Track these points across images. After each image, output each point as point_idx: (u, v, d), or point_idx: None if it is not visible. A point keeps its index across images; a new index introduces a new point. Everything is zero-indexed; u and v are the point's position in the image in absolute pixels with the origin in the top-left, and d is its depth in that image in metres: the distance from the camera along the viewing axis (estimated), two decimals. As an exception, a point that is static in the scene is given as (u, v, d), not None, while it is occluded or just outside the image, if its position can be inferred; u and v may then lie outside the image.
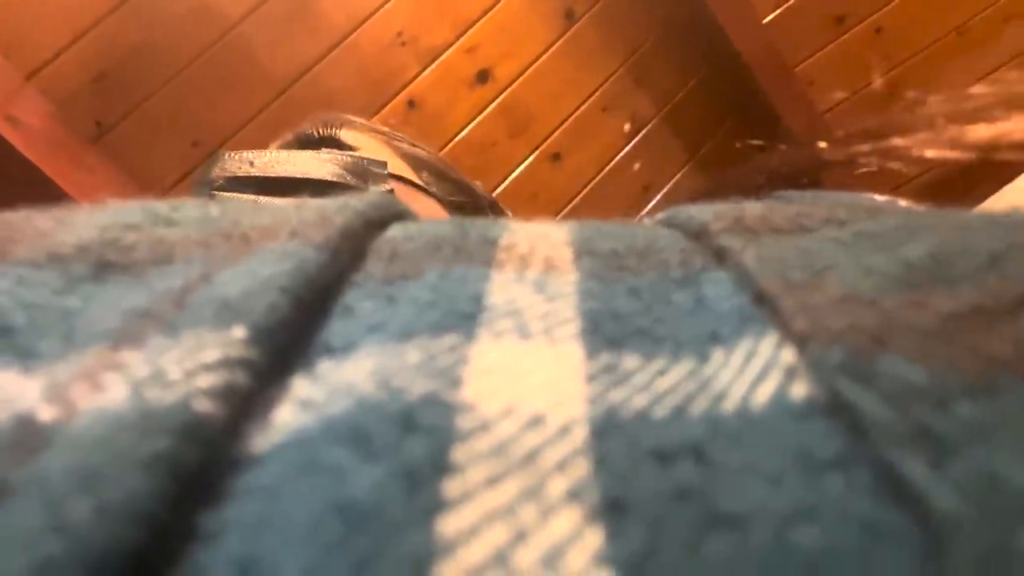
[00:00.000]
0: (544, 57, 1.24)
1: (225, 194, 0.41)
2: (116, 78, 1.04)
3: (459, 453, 0.09)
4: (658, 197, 1.32)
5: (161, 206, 0.16)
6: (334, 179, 0.41)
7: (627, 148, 1.31)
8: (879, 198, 0.17)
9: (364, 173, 0.42)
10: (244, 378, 0.10)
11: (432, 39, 1.18)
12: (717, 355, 0.11)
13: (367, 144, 0.47)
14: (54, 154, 0.96)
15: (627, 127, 1.30)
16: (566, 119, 1.27)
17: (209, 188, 0.41)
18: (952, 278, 0.11)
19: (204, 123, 1.08)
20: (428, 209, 0.46)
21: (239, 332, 0.11)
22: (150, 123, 1.07)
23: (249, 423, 0.10)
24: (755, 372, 0.11)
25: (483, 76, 1.21)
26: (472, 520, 0.08)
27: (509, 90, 1.23)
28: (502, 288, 0.13)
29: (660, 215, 0.18)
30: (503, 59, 1.22)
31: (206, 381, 0.10)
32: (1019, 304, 0.10)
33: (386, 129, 0.52)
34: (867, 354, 0.10)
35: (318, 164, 0.42)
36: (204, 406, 0.09)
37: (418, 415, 0.10)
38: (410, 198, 0.44)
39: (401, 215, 0.18)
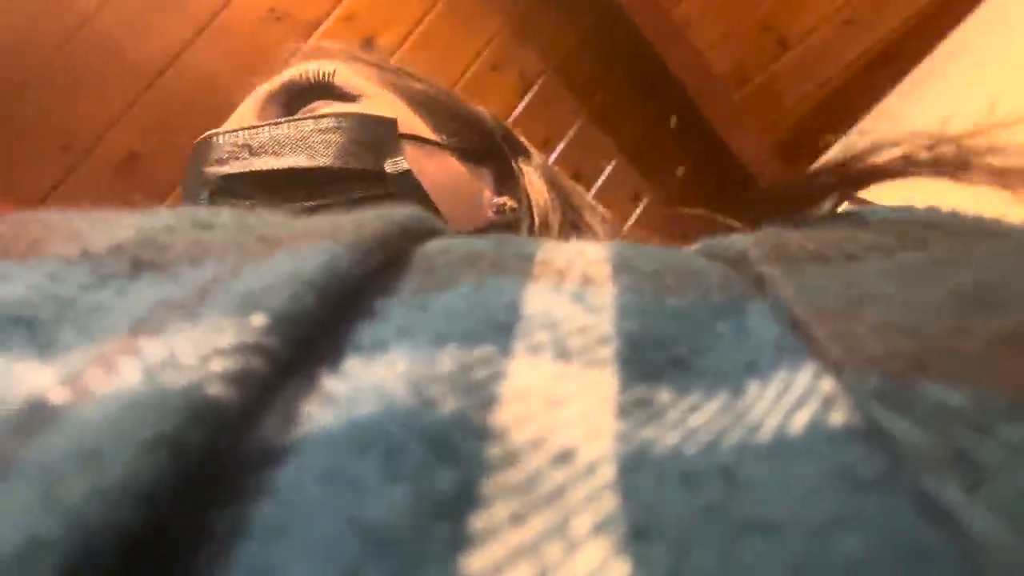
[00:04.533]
0: (426, 20, 1.22)
1: (226, 202, 0.36)
2: (-37, 84, 0.96)
3: (487, 486, 0.09)
4: (559, 148, 1.34)
5: (200, 212, 0.16)
6: (343, 165, 0.37)
7: (521, 105, 1.31)
8: (920, 208, 0.17)
9: (375, 144, 0.38)
10: (261, 365, 0.10)
11: (307, 12, 1.13)
12: (753, 387, 0.11)
13: (366, 89, 0.42)
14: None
15: (519, 83, 1.30)
16: (457, 81, 1.25)
17: (206, 191, 0.37)
18: (997, 304, 0.11)
19: (71, 125, 1.01)
20: (442, 169, 0.42)
21: (258, 320, 0.11)
22: (12, 131, 0.98)
23: (270, 413, 0.10)
24: (791, 402, 0.10)
25: (366, 46, 1.18)
26: (496, 558, 0.08)
27: (395, 57, 1.20)
28: (539, 297, 0.13)
29: (695, 246, 0.18)
30: (385, 27, 1.19)
31: (219, 365, 0.10)
32: None
33: (378, 59, 0.46)
34: (905, 379, 0.10)
35: (325, 145, 0.37)
36: (216, 390, 0.09)
37: (449, 440, 0.09)
38: (423, 158, 0.40)
39: (437, 231, 0.17)
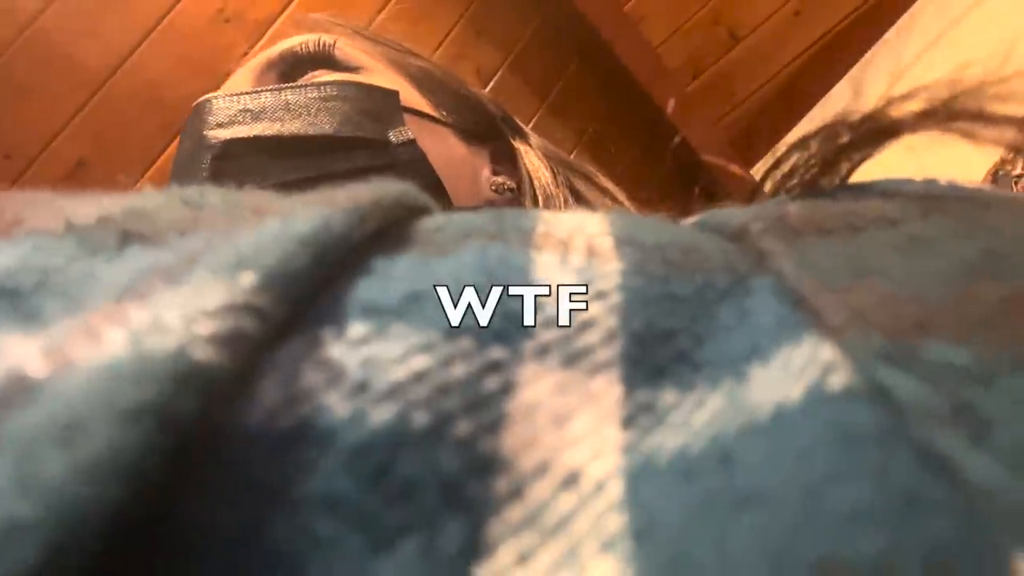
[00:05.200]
0: (380, 18, 1.21)
1: (230, 166, 0.35)
2: (-103, 94, 0.92)
3: (493, 528, 0.09)
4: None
5: (189, 190, 0.15)
6: (348, 134, 0.37)
7: (478, 102, 1.31)
8: (920, 180, 0.16)
9: (378, 114, 0.38)
10: (252, 325, 0.10)
11: (257, 11, 1.12)
12: (756, 371, 0.11)
13: (366, 62, 0.41)
14: None
15: (476, 79, 1.30)
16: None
17: (208, 155, 0.35)
18: (1004, 271, 0.11)
19: (15, 132, 0.98)
20: (442, 144, 0.41)
21: (247, 278, 0.10)
22: (-50, 140, 0.95)
23: (269, 379, 0.10)
24: (792, 374, 0.10)
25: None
26: None
27: (349, 57, 1.19)
28: (548, 274, 0.12)
29: (693, 219, 0.17)
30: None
31: (206, 327, 0.09)
32: None
33: (379, 35, 0.46)
34: (908, 340, 0.10)
35: (328, 113, 0.37)
36: (203, 353, 0.09)
37: (461, 482, 0.09)
38: (424, 133, 0.40)
39: (429, 209, 0.17)
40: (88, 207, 0.13)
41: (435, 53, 1.26)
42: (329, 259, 0.11)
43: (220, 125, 0.36)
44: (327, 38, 0.41)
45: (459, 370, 0.10)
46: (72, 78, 1.01)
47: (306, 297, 0.11)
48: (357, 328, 0.11)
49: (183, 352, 0.09)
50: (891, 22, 1.41)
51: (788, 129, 1.47)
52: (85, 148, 1.01)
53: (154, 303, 0.10)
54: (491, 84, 1.32)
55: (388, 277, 0.12)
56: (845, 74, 1.44)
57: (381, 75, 0.41)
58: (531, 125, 1.40)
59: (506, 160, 0.45)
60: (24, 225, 0.13)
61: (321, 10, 1.19)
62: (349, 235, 0.12)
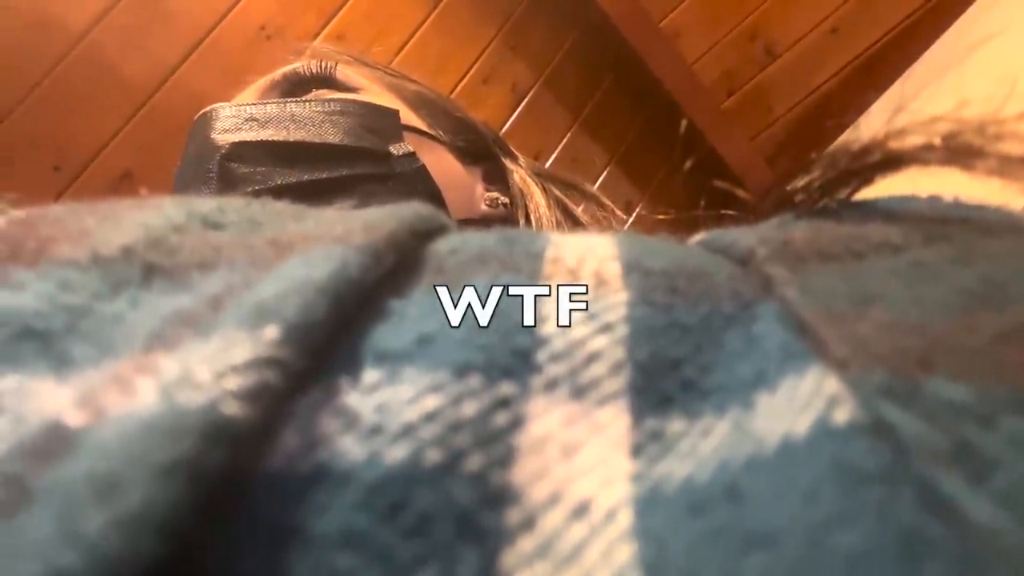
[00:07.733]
0: (417, 35, 1.23)
1: (237, 167, 0.36)
2: (-44, 106, 0.96)
3: (507, 559, 0.09)
4: (551, 159, 1.35)
5: (207, 206, 0.15)
6: (352, 143, 0.38)
7: (513, 117, 1.32)
8: (925, 198, 0.17)
9: (380, 130, 0.40)
10: (276, 378, 0.10)
11: (298, 29, 1.14)
12: (762, 399, 0.11)
13: (366, 85, 0.44)
14: None
15: (510, 96, 1.31)
16: (448, 95, 1.26)
17: (216, 156, 0.37)
18: (1005, 300, 0.11)
19: (64, 145, 1.01)
20: (440, 160, 0.43)
21: (272, 332, 0.10)
22: (5, 152, 0.99)
23: (288, 428, 0.10)
24: (797, 407, 0.10)
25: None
26: None
27: (386, 73, 1.21)
28: (554, 310, 0.13)
29: (699, 237, 0.18)
30: (375, 41, 1.20)
31: (235, 382, 0.09)
32: None
33: (377, 63, 0.49)
34: (911, 375, 0.10)
35: (332, 125, 0.39)
36: (232, 408, 0.09)
37: (474, 514, 0.09)
38: (423, 149, 0.42)
39: (445, 227, 0.17)
40: (111, 231, 0.14)
41: (471, 69, 1.27)
42: (347, 304, 0.12)
43: (226, 131, 0.38)
44: (328, 62, 0.43)
45: (469, 408, 0.11)
46: (119, 92, 1.04)
47: (324, 344, 0.11)
48: (371, 375, 0.11)
49: (214, 407, 0.09)
50: (930, 41, 1.39)
51: (824, 147, 1.45)
52: (131, 160, 1.03)
53: (182, 354, 0.10)
54: (525, 100, 1.33)
55: (401, 319, 0.12)
56: (883, 93, 1.42)
57: (379, 96, 0.43)
58: (565, 141, 1.41)
59: (498, 180, 0.48)
60: (49, 253, 0.13)
61: (360, 28, 1.21)
62: (365, 278, 0.13)
